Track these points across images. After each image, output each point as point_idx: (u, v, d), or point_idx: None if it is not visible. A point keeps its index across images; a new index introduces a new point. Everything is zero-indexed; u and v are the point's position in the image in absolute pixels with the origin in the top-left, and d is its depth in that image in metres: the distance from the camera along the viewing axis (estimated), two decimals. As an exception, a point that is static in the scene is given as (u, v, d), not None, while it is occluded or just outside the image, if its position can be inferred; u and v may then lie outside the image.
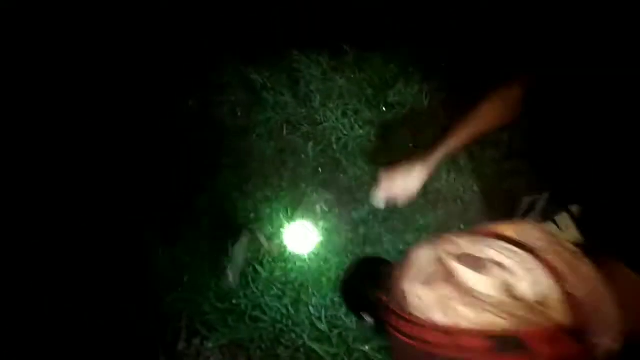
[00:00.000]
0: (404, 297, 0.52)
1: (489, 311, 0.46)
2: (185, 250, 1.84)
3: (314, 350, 1.48)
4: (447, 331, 0.47)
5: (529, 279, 0.48)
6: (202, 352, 1.61)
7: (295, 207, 1.80)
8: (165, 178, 1.95)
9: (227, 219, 1.88)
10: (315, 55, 1.94)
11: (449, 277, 0.50)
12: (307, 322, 1.54)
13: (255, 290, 1.65)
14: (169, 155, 1.97)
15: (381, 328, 0.63)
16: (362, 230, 1.65)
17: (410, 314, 0.51)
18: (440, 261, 0.52)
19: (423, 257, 0.54)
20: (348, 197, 1.71)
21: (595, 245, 0.75)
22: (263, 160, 1.93)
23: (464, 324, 0.46)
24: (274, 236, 1.75)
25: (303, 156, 1.84)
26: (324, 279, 1.61)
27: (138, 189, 1.93)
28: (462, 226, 1.50)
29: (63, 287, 1.77)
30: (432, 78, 1.67)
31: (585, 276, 0.50)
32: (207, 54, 2.08)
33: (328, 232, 1.69)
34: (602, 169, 0.80)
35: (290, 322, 1.57)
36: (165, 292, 1.75)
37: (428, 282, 0.51)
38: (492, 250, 0.51)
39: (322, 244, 1.67)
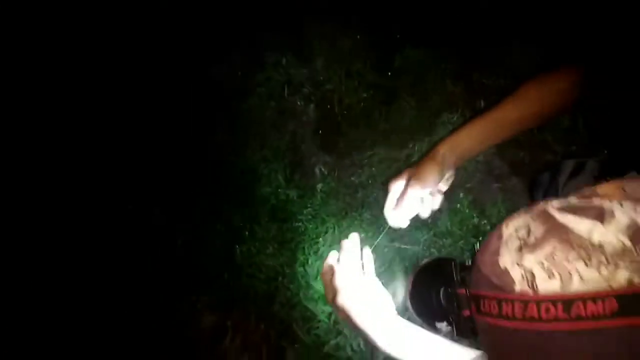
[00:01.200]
0: (506, 274, 0.41)
1: (611, 263, 0.37)
2: (183, 209, 1.83)
3: (308, 309, 1.50)
4: (560, 299, 0.37)
5: None
6: (198, 308, 1.64)
7: (293, 169, 1.79)
8: (160, 139, 1.92)
9: (223, 180, 1.87)
10: (319, 13, 1.89)
11: (557, 230, 0.40)
12: (302, 281, 1.56)
13: (252, 248, 1.67)
14: (162, 115, 1.94)
15: (460, 331, 0.57)
16: (360, 194, 1.65)
17: (512, 290, 0.40)
18: (542, 216, 0.42)
19: (517, 225, 0.44)
20: (348, 160, 1.71)
21: None
22: (262, 121, 1.90)
23: (579, 286, 0.37)
24: (272, 196, 1.75)
25: (304, 118, 1.82)
26: (320, 240, 1.62)
27: (133, 151, 1.91)
28: (461, 194, 1.51)
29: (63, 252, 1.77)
30: (441, 43, 1.64)
31: None
32: (205, 11, 2.01)
33: (326, 195, 1.70)
34: None
35: (285, 281, 1.60)
36: (161, 250, 1.75)
37: (529, 246, 0.41)
38: (607, 201, 0.41)
39: (319, 205, 1.67)
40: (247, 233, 1.69)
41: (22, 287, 1.72)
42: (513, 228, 0.44)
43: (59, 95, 1.93)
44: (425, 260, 0.83)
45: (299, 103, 1.83)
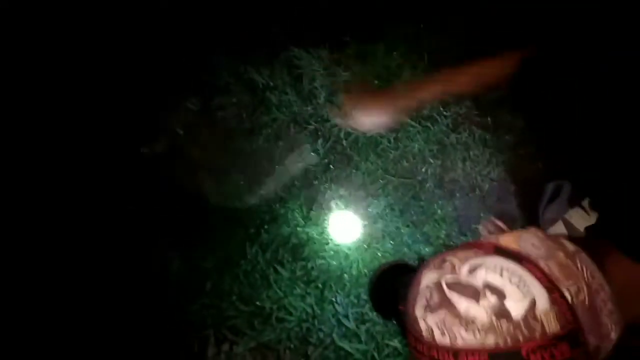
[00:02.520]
0: (416, 321, 0.58)
1: (484, 332, 0.52)
2: (203, 257, 1.84)
3: (342, 348, 1.50)
4: (450, 350, 0.53)
5: (523, 299, 0.53)
6: (232, 357, 1.64)
7: (309, 206, 1.80)
8: (175, 185, 1.95)
9: (241, 221, 1.88)
10: (315, 49, 1.91)
11: (447, 304, 0.55)
12: (333, 320, 1.56)
13: (278, 291, 1.67)
14: (175, 162, 1.97)
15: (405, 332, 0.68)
16: (380, 224, 1.65)
17: (421, 335, 0.57)
18: (439, 288, 0.57)
19: (427, 282, 0.59)
20: (362, 192, 1.71)
21: (603, 233, 0.73)
22: (273, 160, 1.92)
23: (462, 344, 0.53)
24: (292, 236, 1.76)
25: (312, 154, 1.83)
26: (345, 276, 1.62)
27: (148, 198, 1.93)
28: (482, 214, 1.50)
29: (84, 302, 1.78)
30: (440, 64, 1.65)
31: (581, 278, 0.55)
32: (201, 54, 2.05)
33: (346, 229, 1.70)
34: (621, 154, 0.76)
35: (316, 321, 1.59)
36: (188, 301, 1.76)
37: (430, 307, 0.57)
38: (490, 273, 0.56)
39: (340, 241, 1.67)
40: (272, 276, 1.69)
41: (22, 291, 1.71)
42: (425, 283, 0.60)
43: (57, 97, 1.94)
44: (389, 262, 0.96)
45: (306, 140, 1.84)
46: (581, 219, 0.93)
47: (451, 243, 1.53)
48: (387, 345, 1.43)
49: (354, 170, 1.74)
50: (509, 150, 1.49)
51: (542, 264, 0.55)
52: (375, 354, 1.42)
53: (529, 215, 1.47)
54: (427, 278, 0.60)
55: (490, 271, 0.56)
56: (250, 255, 1.78)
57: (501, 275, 0.55)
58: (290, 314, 1.63)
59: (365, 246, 1.64)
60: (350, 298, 1.56)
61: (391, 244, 1.60)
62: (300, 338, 1.60)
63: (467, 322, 0.53)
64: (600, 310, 0.54)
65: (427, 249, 1.55)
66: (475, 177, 1.52)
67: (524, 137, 1.47)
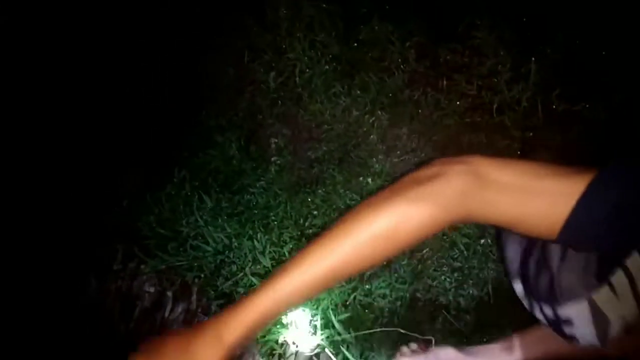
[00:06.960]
0: None
1: None
2: (127, 172, 1.74)
3: (253, 284, 1.46)
4: None
5: None
6: (138, 276, 1.56)
7: (249, 139, 1.72)
8: (107, 94, 1.80)
9: (174, 145, 1.78)
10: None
11: None
12: (249, 255, 1.51)
13: (199, 219, 1.60)
14: (111, 71, 1.81)
15: None
16: (315, 169, 1.60)
17: None
18: None
19: None
20: (306, 134, 1.65)
21: None
22: (219, 86, 1.81)
23: None
24: (224, 166, 1.68)
25: (262, 86, 1.74)
26: (271, 214, 1.57)
27: (80, 112, 1.78)
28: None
29: None
30: (407, 19, 1.59)
31: None
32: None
33: (280, 168, 1.64)
34: None
35: (232, 254, 1.54)
36: (104, 210, 1.66)
37: None
38: None
39: (273, 179, 1.62)
40: (195, 203, 1.61)
41: None
42: None
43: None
44: None
45: (258, 70, 1.74)
46: (610, 303, 0.54)
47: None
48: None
49: (301, 110, 1.67)
50: (457, 116, 1.47)
51: None
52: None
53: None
54: None
55: None
56: (177, 179, 1.69)
57: None
58: (207, 243, 1.56)
59: (296, 188, 1.59)
60: (271, 237, 1.52)
61: (323, 190, 1.56)
62: (213, 269, 1.55)
63: None
64: None
65: (354, 202, 1.52)
66: (419, 137, 1.50)
67: (474, 104, 1.45)
